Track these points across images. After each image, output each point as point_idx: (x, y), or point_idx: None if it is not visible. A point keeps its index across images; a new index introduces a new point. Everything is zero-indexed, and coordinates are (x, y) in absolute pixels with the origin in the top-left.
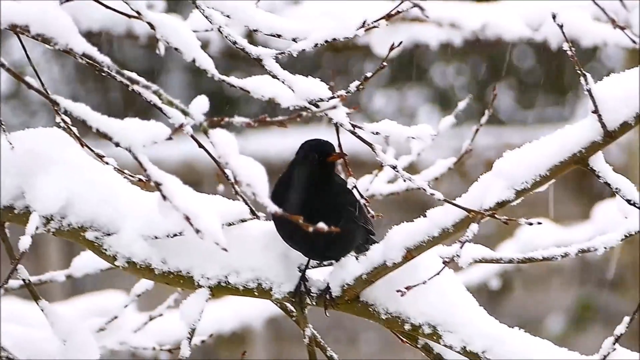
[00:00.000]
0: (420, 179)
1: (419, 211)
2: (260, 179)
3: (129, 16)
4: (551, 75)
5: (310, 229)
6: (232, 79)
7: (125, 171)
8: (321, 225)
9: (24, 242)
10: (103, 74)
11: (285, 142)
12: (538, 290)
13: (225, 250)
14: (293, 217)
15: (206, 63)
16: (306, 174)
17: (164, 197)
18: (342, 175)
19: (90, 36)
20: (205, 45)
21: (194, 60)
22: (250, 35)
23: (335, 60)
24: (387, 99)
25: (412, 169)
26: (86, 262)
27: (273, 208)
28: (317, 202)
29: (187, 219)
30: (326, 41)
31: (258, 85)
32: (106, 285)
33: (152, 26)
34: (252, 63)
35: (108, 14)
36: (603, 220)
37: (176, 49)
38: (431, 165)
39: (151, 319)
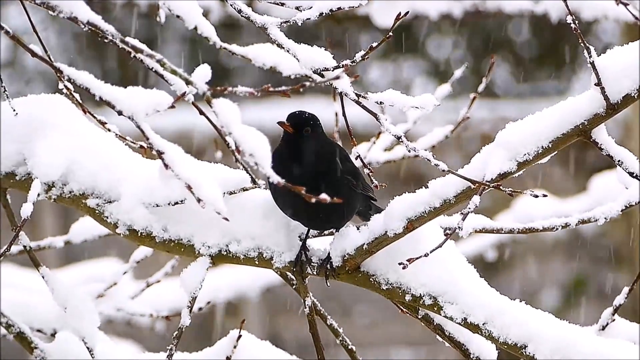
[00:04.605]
0: (422, 149)
1: (415, 184)
2: (263, 148)
3: None
4: (547, 48)
5: (313, 200)
6: (234, 47)
7: (127, 138)
8: (324, 196)
9: (26, 209)
10: (105, 41)
11: (282, 114)
12: (532, 265)
13: (227, 219)
14: (295, 188)
15: (208, 30)
16: (287, 145)
17: (166, 166)
18: (343, 145)
19: (89, 4)
20: (204, 15)
21: (195, 28)
22: (252, 6)
23: (333, 31)
24: (383, 71)
25: (408, 138)
26: (85, 229)
27: (276, 179)
28: (316, 172)
29: (189, 187)
30: (331, 10)
31: (259, 54)
32: (100, 254)
33: None
34: (250, 34)
35: None
36: (600, 192)
37: (178, 16)
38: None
39: (148, 285)
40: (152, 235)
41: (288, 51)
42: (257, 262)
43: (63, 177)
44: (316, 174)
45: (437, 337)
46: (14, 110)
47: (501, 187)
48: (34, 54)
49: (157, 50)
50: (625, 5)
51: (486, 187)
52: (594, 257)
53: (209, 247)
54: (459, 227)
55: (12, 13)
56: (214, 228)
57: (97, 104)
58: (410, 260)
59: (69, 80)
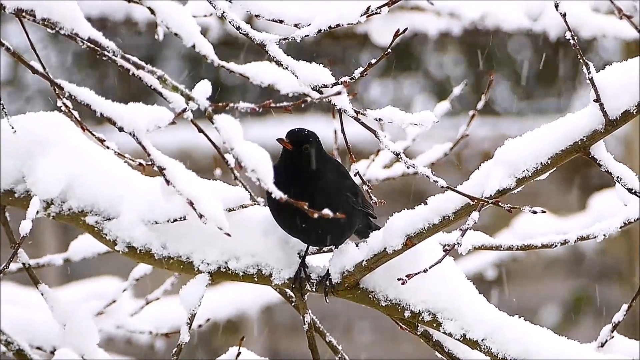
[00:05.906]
0: (421, 166)
1: (415, 201)
2: (265, 164)
3: (129, 0)
4: (547, 66)
5: (316, 215)
6: (232, 65)
7: (126, 155)
8: (326, 211)
9: (25, 226)
10: (104, 58)
11: (282, 132)
12: (532, 282)
13: (229, 235)
14: (298, 203)
15: (206, 48)
16: (286, 162)
17: (167, 182)
18: (343, 162)
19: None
20: (202, 34)
21: (193, 46)
22: (250, 23)
23: (332, 49)
24: (383, 89)
25: (407, 155)
26: (84, 246)
27: (278, 194)
28: (314, 189)
29: (191, 203)
30: (330, 27)
31: (258, 71)
32: (99, 271)
33: (152, 11)
34: (249, 52)
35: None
36: (599, 210)
37: (176, 34)
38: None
39: (148, 302)
40: (151, 253)
41: (287, 68)
42: (256, 279)
43: (62, 195)
44: (315, 191)
45: (437, 353)
46: (13, 128)
47: (500, 204)
48: (34, 71)
49: (157, 68)
50: (629, 18)
51: (485, 204)
52: (594, 274)
53: (208, 264)
54: (458, 243)
55: (12, 32)
56: (213, 245)
57: (96, 121)
58: (409, 276)
59: (70, 97)
